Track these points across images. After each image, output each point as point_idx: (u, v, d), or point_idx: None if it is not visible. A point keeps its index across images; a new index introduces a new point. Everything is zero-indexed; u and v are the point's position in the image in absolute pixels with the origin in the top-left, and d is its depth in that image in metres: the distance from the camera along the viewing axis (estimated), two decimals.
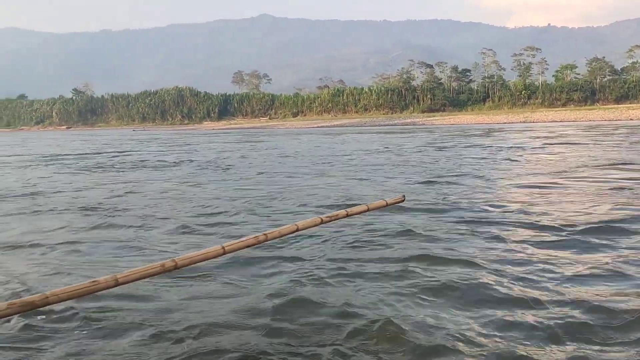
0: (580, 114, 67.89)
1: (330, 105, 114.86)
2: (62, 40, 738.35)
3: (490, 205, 6.71)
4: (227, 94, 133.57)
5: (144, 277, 1.87)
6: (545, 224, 5.45)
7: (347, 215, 2.64)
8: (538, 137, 25.81)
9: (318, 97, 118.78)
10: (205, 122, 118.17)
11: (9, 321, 3.01)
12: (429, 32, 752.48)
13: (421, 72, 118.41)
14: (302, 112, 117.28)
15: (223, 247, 2.04)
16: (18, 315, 1.50)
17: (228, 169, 14.02)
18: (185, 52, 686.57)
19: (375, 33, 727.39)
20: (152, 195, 8.95)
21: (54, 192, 9.79)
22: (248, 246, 2.21)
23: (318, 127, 72.63)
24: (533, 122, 61.48)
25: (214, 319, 3.15)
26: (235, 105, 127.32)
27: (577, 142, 20.60)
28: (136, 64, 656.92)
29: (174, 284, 3.82)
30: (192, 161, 17.22)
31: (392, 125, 70.71)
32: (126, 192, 9.34)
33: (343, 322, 3.04)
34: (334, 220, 2.58)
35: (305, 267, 4.16)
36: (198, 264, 2.06)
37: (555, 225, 5.38)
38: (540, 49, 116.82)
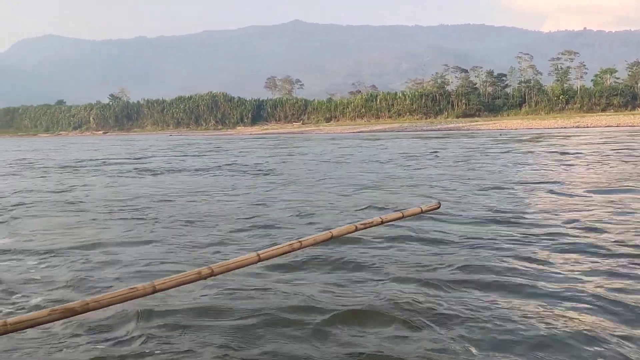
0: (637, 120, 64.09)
1: (363, 110, 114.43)
2: (99, 47, 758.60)
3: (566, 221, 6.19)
4: (260, 99, 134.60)
5: (181, 284, 1.92)
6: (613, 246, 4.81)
7: (382, 223, 2.58)
8: (605, 142, 24.24)
9: (351, 103, 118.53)
10: (239, 127, 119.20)
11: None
12: (461, 36, 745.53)
13: (456, 77, 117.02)
14: (335, 117, 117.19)
15: (258, 255, 2.07)
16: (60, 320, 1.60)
17: (274, 174, 13.83)
18: (218, 58, 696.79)
19: (407, 38, 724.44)
20: (196, 200, 8.93)
21: (98, 198, 9.72)
22: (283, 254, 2.22)
23: (357, 132, 71.98)
24: (587, 126, 58.38)
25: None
26: (269, 110, 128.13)
27: None
28: (171, 70, 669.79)
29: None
30: (236, 166, 17.12)
31: (434, 130, 68.86)
32: (172, 198, 9.30)
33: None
34: (369, 227, 2.55)
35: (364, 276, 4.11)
36: (234, 271, 2.08)
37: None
38: (578, 53, 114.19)
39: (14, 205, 9.02)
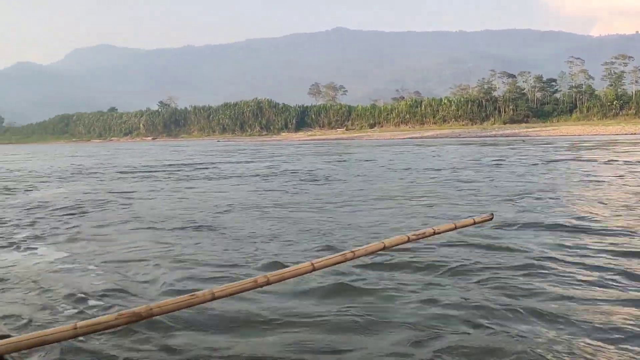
0: None
1: (407, 116, 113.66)
2: (149, 56, 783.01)
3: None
4: (305, 105, 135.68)
5: (238, 292, 1.96)
6: None
7: (435, 234, 2.60)
8: None
9: (395, 108, 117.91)
10: (283, 133, 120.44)
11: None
12: (506, 41, 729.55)
13: (503, 82, 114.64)
14: (379, 123, 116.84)
15: (312, 264, 2.08)
16: (126, 325, 1.69)
17: (344, 181, 13.97)
18: (262, 65, 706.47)
19: (451, 44, 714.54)
20: (253, 207, 8.95)
21: (160, 205, 10.04)
22: (336, 263, 2.24)
23: (409, 137, 70.99)
24: None
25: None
26: (313, 116, 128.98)
27: None
28: (217, 77, 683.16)
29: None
30: (291, 173, 17.34)
31: (489, 136, 66.19)
32: (227, 205, 9.34)
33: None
34: (421, 238, 2.57)
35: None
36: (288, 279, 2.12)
37: None
38: (632, 57, 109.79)
39: (95, 212, 9.39)
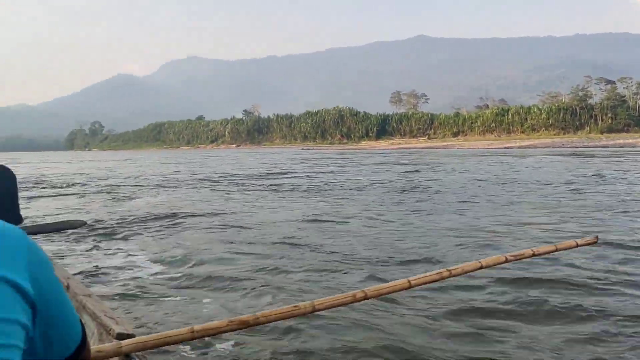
0: None
1: (493, 125, 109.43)
2: (234, 66, 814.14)
3: None
4: (386, 113, 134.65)
5: (337, 305, 2.04)
6: None
7: (533, 255, 2.50)
8: None
9: (480, 117, 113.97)
10: (364, 142, 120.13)
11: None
12: (600, 46, 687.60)
13: (600, 89, 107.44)
14: (463, 132, 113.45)
15: (409, 281, 2.11)
16: (235, 330, 1.80)
17: (427, 193, 13.37)
18: (343, 74, 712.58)
19: (537, 50, 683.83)
20: (351, 220, 8.75)
21: (260, 217, 9.90)
22: (432, 281, 2.25)
23: (505, 147, 66.79)
24: None
25: None
26: (394, 124, 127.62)
27: None
28: (298, 86, 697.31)
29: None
30: (385, 183, 16.92)
31: (599, 146, 59.70)
32: (324, 217, 9.20)
33: None
34: (519, 259, 2.50)
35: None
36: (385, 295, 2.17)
37: None
38: None
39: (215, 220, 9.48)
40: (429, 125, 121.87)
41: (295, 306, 1.92)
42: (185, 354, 3.24)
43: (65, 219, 7.03)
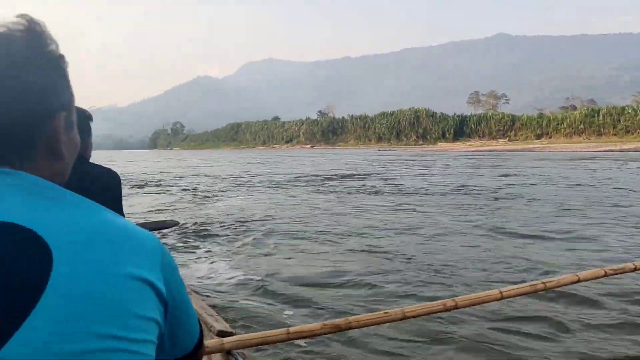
0: None
1: (581, 126, 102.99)
2: (309, 67, 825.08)
3: None
4: (464, 114, 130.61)
5: (427, 314, 2.05)
6: None
7: (635, 270, 2.42)
8: None
9: (567, 118, 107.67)
10: (440, 143, 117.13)
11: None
12: None
13: None
14: (547, 133, 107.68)
15: (501, 293, 2.08)
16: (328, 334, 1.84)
17: (526, 200, 12.36)
18: (418, 74, 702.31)
19: (631, 47, 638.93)
20: (447, 229, 8.06)
21: (350, 221, 9.45)
22: (525, 294, 2.19)
23: (604, 150, 60.15)
24: None
25: None
26: (472, 126, 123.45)
27: None
28: (373, 87, 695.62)
29: None
30: (478, 189, 16.03)
31: None
32: (417, 224, 8.75)
33: None
34: (619, 273, 2.42)
35: None
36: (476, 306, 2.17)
37: None
38: None
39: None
40: (509, 127, 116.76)
41: (385, 312, 1.94)
42: (279, 351, 3.26)
43: (160, 219, 7.05)
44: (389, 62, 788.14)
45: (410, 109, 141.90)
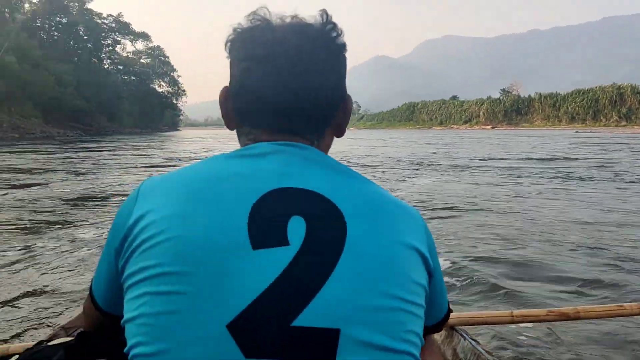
0: None
1: None
2: (491, 43, 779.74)
3: None
4: None
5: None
6: None
7: None
8: None
9: None
10: None
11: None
12: None
13: None
14: None
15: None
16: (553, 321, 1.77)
17: None
18: (621, 46, 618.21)
19: None
20: None
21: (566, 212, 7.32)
22: None
23: None
24: None
25: None
26: None
27: None
28: (564, 61, 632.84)
29: None
30: None
31: None
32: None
33: None
34: None
35: None
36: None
37: None
38: None
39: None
40: None
41: (620, 306, 1.80)
42: (501, 331, 2.80)
43: None
44: (585, 33, 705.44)
45: (612, 85, 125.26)
